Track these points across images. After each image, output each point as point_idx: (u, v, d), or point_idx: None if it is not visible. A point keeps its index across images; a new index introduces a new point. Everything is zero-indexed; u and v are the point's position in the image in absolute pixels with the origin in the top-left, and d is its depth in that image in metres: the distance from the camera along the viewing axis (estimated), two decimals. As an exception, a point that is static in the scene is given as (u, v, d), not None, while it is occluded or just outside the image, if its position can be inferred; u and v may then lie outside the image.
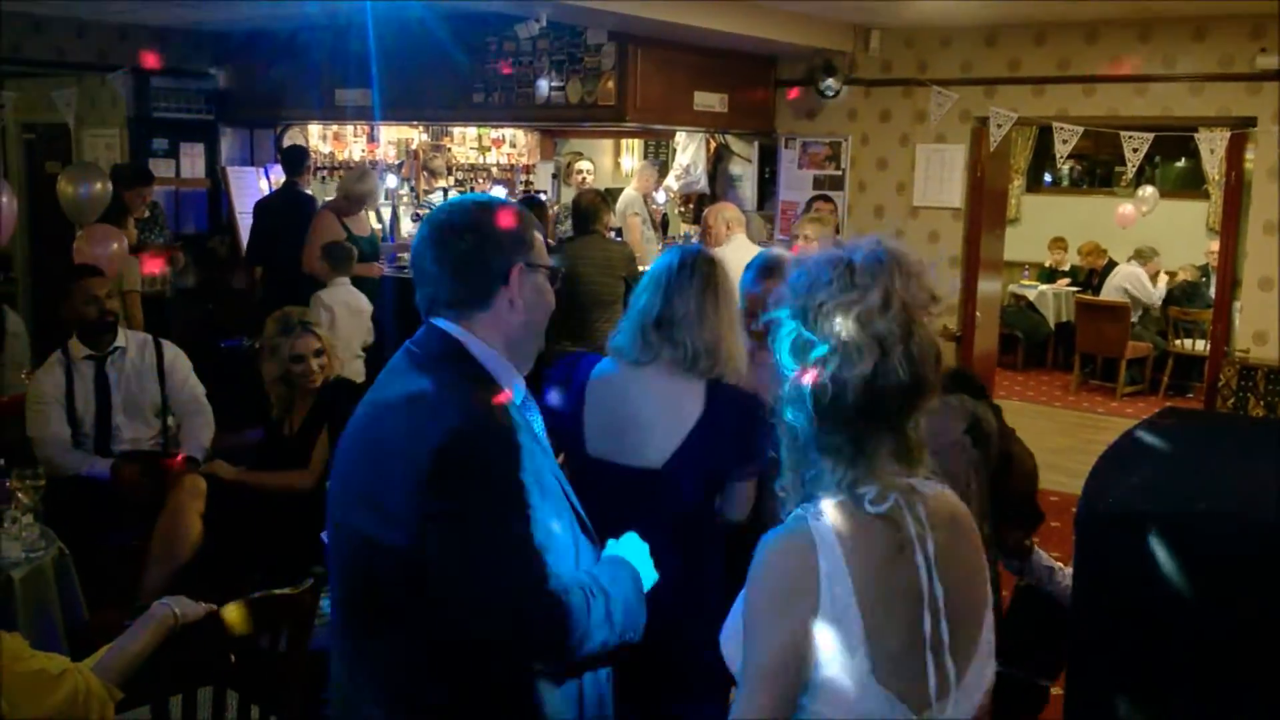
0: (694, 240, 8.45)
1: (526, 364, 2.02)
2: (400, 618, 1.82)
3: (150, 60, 8.33)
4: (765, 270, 3.29)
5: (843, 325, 1.54)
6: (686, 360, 2.69)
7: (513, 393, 1.95)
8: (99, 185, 7.05)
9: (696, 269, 2.77)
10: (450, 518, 1.75)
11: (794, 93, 8.12)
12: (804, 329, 1.58)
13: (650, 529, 2.33)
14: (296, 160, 7.97)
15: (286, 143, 8.98)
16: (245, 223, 8.24)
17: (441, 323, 1.93)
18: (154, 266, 7.31)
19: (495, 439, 1.81)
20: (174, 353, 4.96)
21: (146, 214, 7.61)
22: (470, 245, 1.92)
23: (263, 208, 7.94)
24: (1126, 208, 10.83)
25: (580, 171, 8.86)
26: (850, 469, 1.57)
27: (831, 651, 1.51)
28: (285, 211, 7.57)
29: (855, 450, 1.57)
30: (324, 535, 4.05)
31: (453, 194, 9.21)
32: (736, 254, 6.36)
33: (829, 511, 1.56)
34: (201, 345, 6.73)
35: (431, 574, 1.76)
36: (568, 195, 8.95)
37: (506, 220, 1.95)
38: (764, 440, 2.55)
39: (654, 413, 2.69)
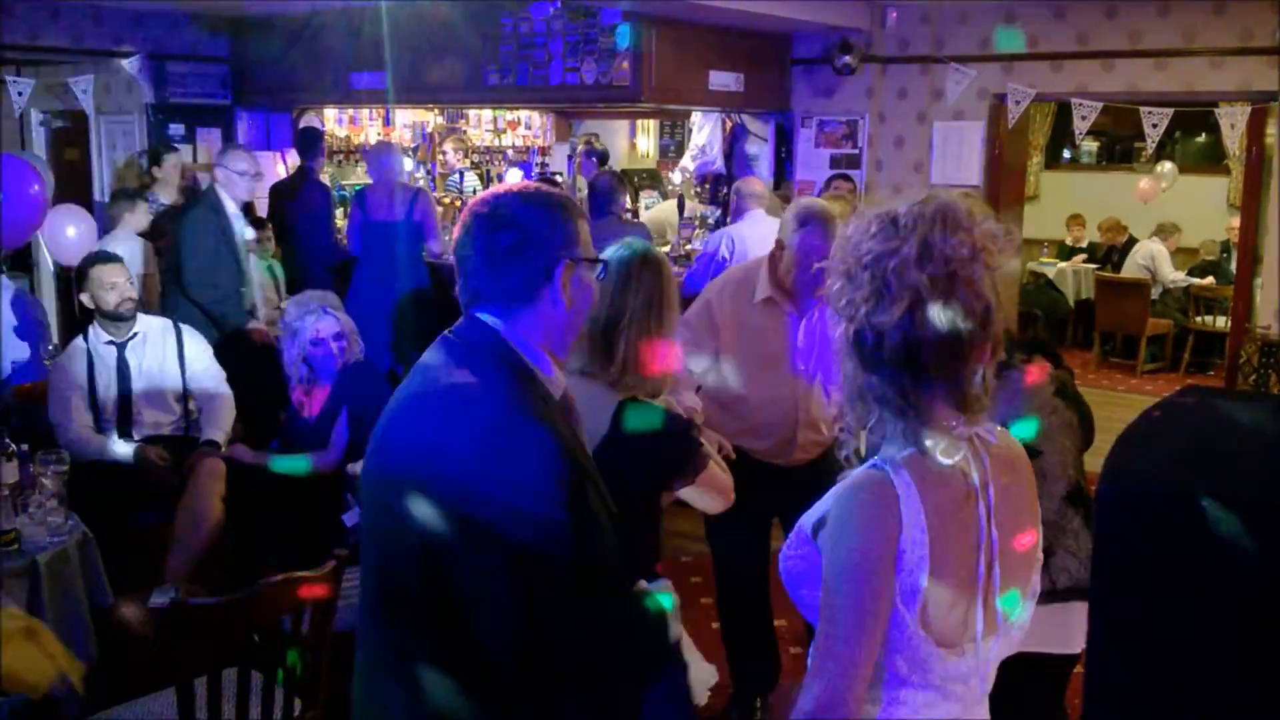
0: (710, 221, 8.44)
1: (565, 355, 1.98)
2: (427, 611, 1.79)
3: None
4: (802, 220, 3.49)
5: (879, 273, 1.58)
6: (614, 370, 2.57)
7: (555, 388, 1.92)
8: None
9: (641, 280, 2.62)
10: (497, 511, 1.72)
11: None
12: (847, 278, 1.62)
13: None
14: (310, 143, 7.97)
15: (302, 126, 8.99)
16: (262, 206, 8.24)
17: (483, 315, 1.88)
18: None
19: (536, 430, 1.76)
20: (193, 337, 4.99)
21: (180, 199, 7.48)
22: (514, 242, 1.86)
23: (277, 191, 7.96)
24: (1145, 183, 10.74)
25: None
26: (901, 419, 1.61)
27: (897, 593, 1.57)
28: (298, 196, 7.58)
29: (903, 401, 1.60)
30: (345, 517, 4.10)
31: (469, 176, 9.21)
32: (752, 230, 6.36)
33: (905, 464, 1.60)
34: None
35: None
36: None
37: (552, 216, 1.89)
38: (679, 459, 2.57)
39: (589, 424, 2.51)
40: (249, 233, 6.31)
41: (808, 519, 1.71)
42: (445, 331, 1.92)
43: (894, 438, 1.64)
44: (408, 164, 9.96)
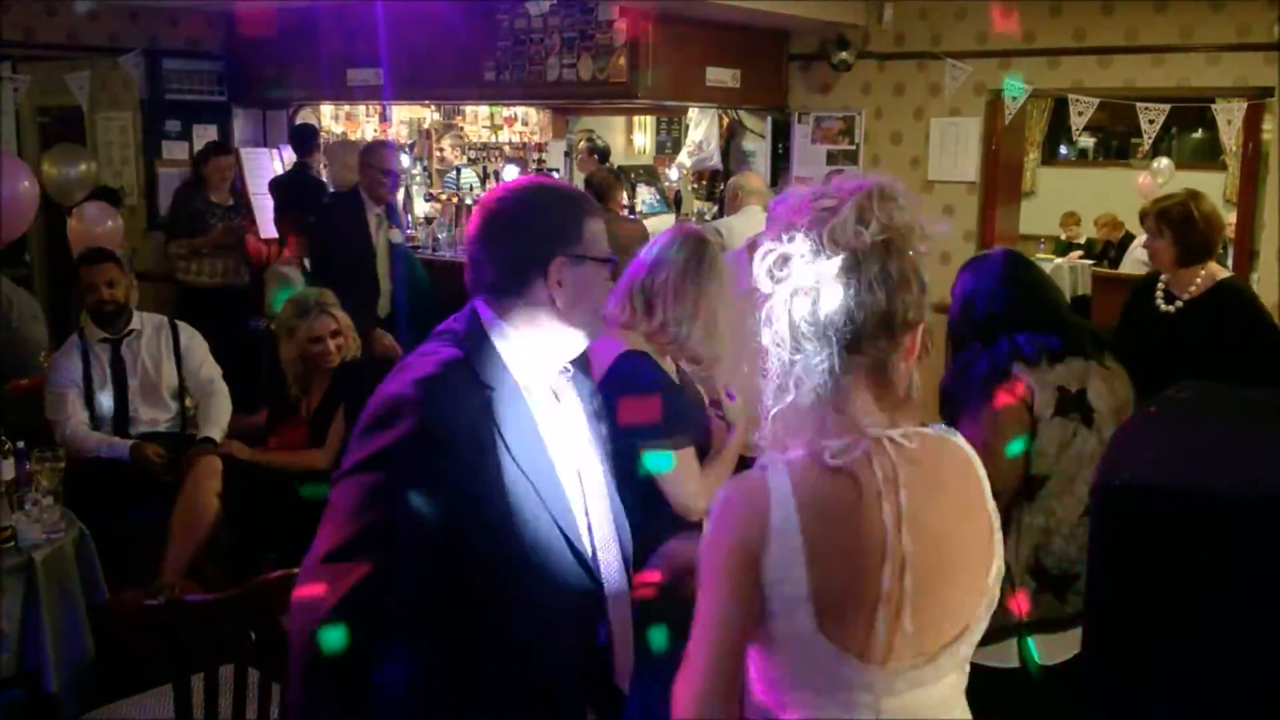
0: (708, 217, 8.44)
1: (569, 355, 1.99)
2: None
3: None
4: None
5: (814, 238, 1.52)
6: (652, 327, 2.73)
7: (538, 380, 1.93)
8: (84, 166, 7.05)
9: (685, 247, 2.80)
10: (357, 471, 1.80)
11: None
12: (780, 243, 1.56)
13: None
14: (305, 140, 7.95)
15: (298, 123, 8.97)
16: (258, 203, 8.23)
17: (479, 304, 1.92)
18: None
19: (427, 417, 1.78)
20: (190, 334, 4.99)
21: (231, 201, 7.52)
22: (509, 234, 1.89)
23: (274, 187, 7.95)
24: (1145, 178, 10.75)
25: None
26: (820, 408, 1.53)
27: (777, 603, 1.50)
28: (294, 193, 7.56)
29: (833, 384, 1.53)
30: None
31: (465, 173, 9.20)
32: (744, 223, 6.35)
33: (789, 463, 1.53)
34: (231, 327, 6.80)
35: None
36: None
37: (550, 208, 1.91)
38: (666, 411, 2.62)
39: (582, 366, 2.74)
40: (395, 234, 6.06)
41: None
42: (451, 317, 1.97)
43: (794, 432, 1.55)
44: (404, 160, 9.95)
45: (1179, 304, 4.09)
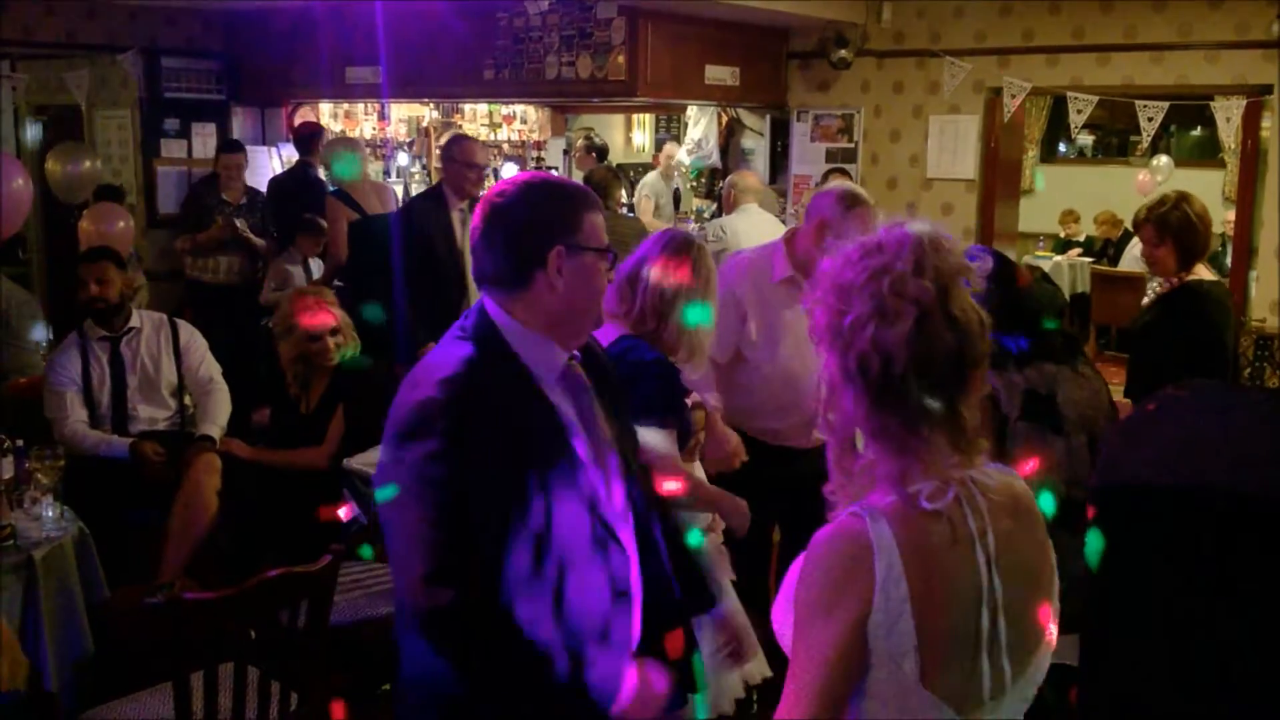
0: (707, 215, 8.44)
1: (574, 343, 2.03)
2: None
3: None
4: (851, 202, 3.56)
5: (876, 291, 1.51)
6: (634, 316, 2.87)
7: (550, 371, 1.98)
8: (87, 163, 7.05)
9: (669, 243, 2.95)
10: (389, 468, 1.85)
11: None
12: (839, 304, 1.55)
13: None
14: (308, 139, 7.95)
15: (298, 121, 8.96)
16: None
17: (486, 299, 1.97)
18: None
19: (460, 416, 1.83)
20: (189, 332, 4.98)
21: (244, 200, 7.48)
22: (511, 225, 1.94)
23: (275, 186, 7.94)
24: (1144, 176, 10.75)
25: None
26: (900, 457, 1.53)
27: (882, 655, 1.48)
28: (297, 191, 7.56)
29: (906, 433, 1.52)
30: (340, 512, 4.10)
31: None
32: (744, 222, 6.35)
33: (885, 511, 1.50)
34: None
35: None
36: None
37: (549, 201, 1.96)
38: (661, 391, 2.72)
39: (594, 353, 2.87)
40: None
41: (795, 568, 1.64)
42: (463, 315, 2.02)
43: (878, 484, 1.55)
44: (402, 158, 9.95)
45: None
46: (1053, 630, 1.61)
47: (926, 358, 1.50)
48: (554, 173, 9.13)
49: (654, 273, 2.90)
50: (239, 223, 7.32)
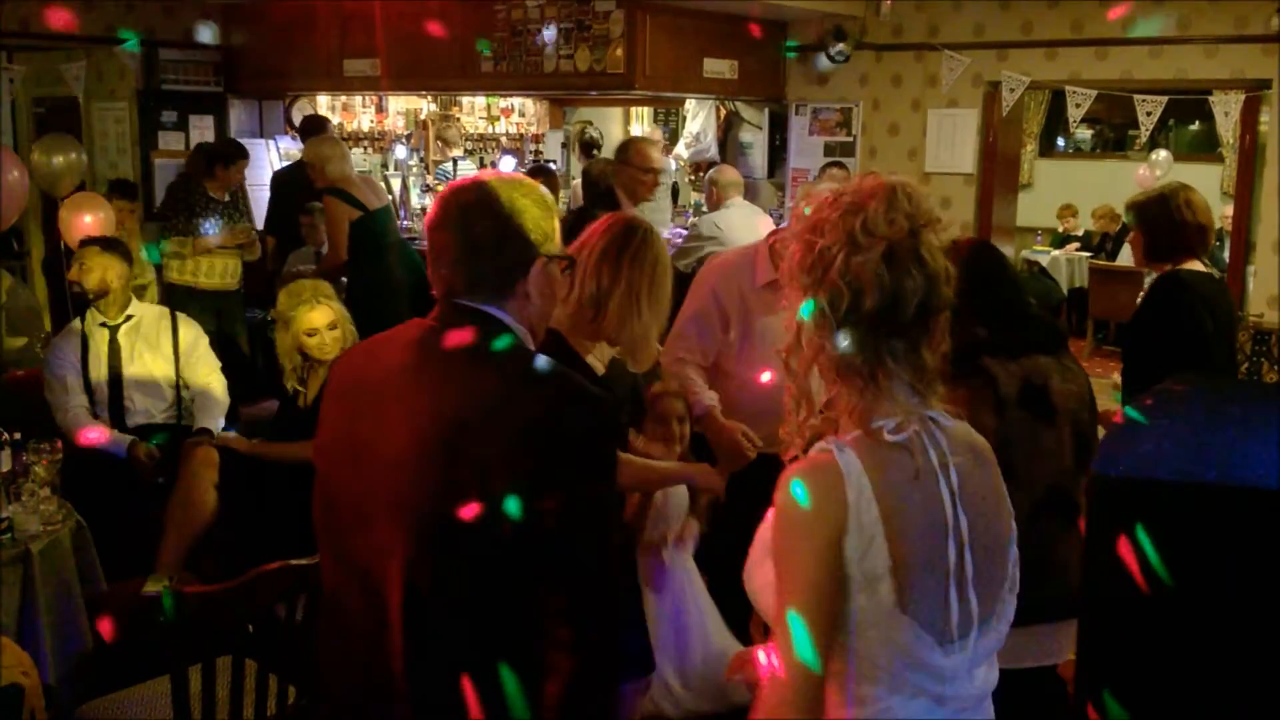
0: (705, 209, 8.43)
1: (533, 348, 2.00)
2: None
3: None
4: None
5: (848, 227, 1.57)
6: (569, 308, 2.76)
7: None
8: (72, 156, 7.02)
9: (611, 229, 2.86)
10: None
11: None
12: (814, 241, 1.60)
13: None
14: (314, 132, 7.90)
15: (295, 114, 8.95)
16: (254, 194, 8.22)
17: (480, 306, 1.86)
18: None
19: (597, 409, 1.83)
20: (189, 326, 5.00)
21: (227, 198, 7.18)
22: (498, 234, 1.86)
23: (279, 179, 7.92)
24: (1145, 170, 10.75)
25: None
26: (863, 395, 1.59)
27: (860, 579, 1.53)
28: (302, 185, 7.51)
29: (872, 370, 1.58)
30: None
31: (463, 164, 9.20)
32: (736, 216, 6.34)
33: (851, 444, 1.57)
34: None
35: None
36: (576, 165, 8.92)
37: (534, 208, 1.90)
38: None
39: None
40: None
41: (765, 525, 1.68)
42: (430, 323, 1.87)
43: (841, 420, 1.62)
44: (400, 151, 9.93)
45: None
46: (1014, 575, 1.69)
47: (894, 296, 1.56)
48: (553, 165, 9.13)
49: (593, 259, 2.80)
50: (253, 230, 7.19)
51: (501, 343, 1.83)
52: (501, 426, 1.71)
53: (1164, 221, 3.87)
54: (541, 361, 1.83)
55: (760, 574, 1.66)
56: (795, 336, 1.62)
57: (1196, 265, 3.94)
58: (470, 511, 1.68)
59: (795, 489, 1.56)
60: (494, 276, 1.86)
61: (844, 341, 1.57)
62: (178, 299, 6.84)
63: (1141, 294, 4.23)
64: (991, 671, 1.71)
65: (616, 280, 2.80)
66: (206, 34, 8.50)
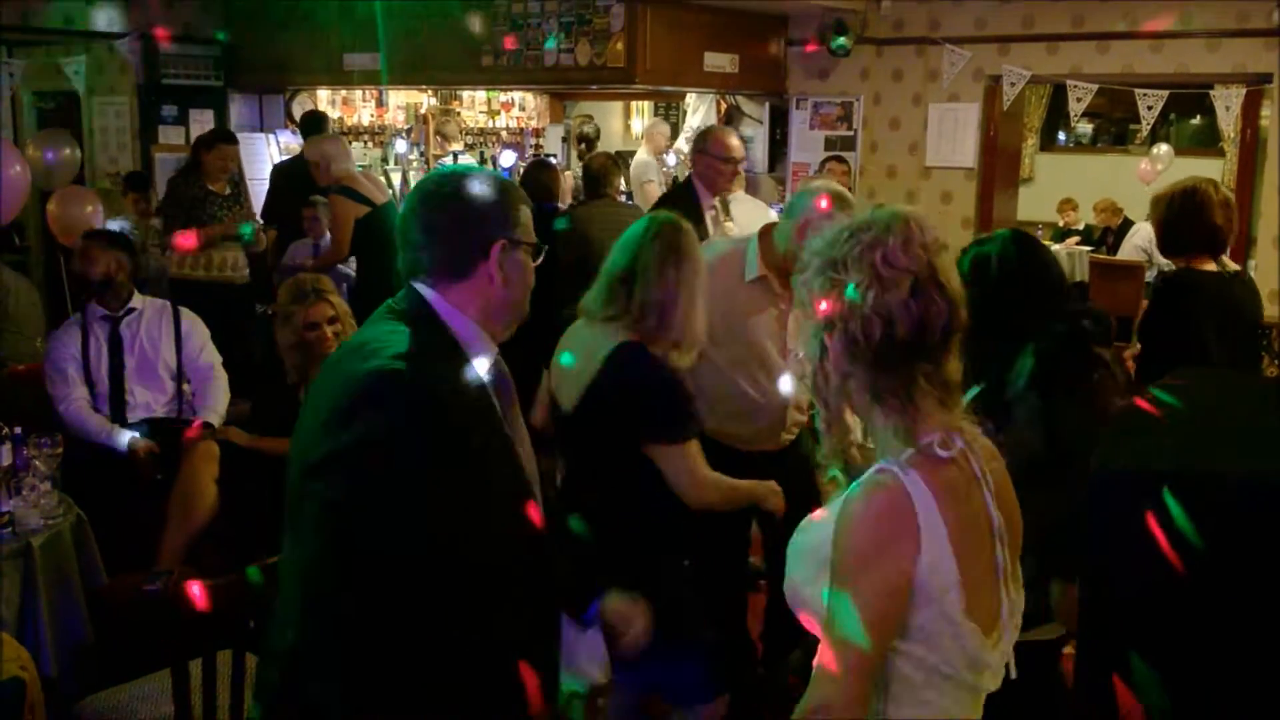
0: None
1: (501, 335, 2.03)
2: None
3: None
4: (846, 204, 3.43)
5: (870, 262, 1.63)
6: (633, 315, 2.82)
7: (482, 360, 1.96)
8: (67, 151, 7.00)
9: (661, 234, 2.88)
10: (345, 454, 1.77)
11: (810, 46, 8.01)
12: (833, 277, 1.66)
13: (574, 468, 2.66)
14: (314, 127, 7.89)
15: (296, 108, 8.94)
16: (255, 188, 8.22)
17: (420, 287, 1.95)
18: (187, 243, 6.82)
19: (422, 392, 1.79)
20: (191, 319, 5.00)
21: (228, 190, 7.11)
22: (453, 216, 1.94)
23: (279, 172, 7.91)
24: (1145, 164, 10.74)
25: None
26: (902, 416, 1.65)
27: (928, 595, 1.59)
28: (302, 179, 7.51)
29: (907, 394, 1.64)
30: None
31: (463, 159, 9.21)
32: (740, 209, 6.32)
33: (912, 463, 1.63)
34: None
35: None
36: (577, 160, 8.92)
37: (491, 194, 1.96)
38: (668, 408, 2.73)
39: (576, 358, 2.84)
40: (732, 228, 5.18)
41: (808, 539, 1.72)
42: (388, 300, 1.99)
43: (890, 439, 1.66)
44: (400, 145, 9.93)
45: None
46: (1017, 584, 1.74)
47: (923, 323, 1.62)
48: (554, 159, 9.13)
49: (652, 263, 2.85)
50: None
51: (382, 332, 1.88)
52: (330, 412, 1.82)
53: (1183, 216, 3.84)
54: (384, 360, 1.81)
55: (812, 593, 1.68)
56: (820, 366, 1.68)
57: (1210, 264, 3.88)
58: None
59: (866, 514, 1.61)
60: (447, 259, 1.94)
61: (878, 369, 1.64)
62: (182, 292, 6.86)
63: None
64: (1010, 660, 1.75)
65: (679, 286, 2.86)
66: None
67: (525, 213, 2.01)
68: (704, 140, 5.12)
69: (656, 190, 8.46)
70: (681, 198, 5.06)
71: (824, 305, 1.67)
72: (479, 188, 1.97)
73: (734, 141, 5.03)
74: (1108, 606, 2.07)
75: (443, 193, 1.97)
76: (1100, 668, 2.07)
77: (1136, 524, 1.98)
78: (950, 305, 1.64)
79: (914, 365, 1.64)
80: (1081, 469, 2.11)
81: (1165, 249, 3.94)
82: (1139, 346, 4.09)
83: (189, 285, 6.97)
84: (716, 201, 5.11)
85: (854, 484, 1.66)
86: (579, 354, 2.88)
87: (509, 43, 7.52)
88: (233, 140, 7.33)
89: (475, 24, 7.54)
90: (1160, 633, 1.99)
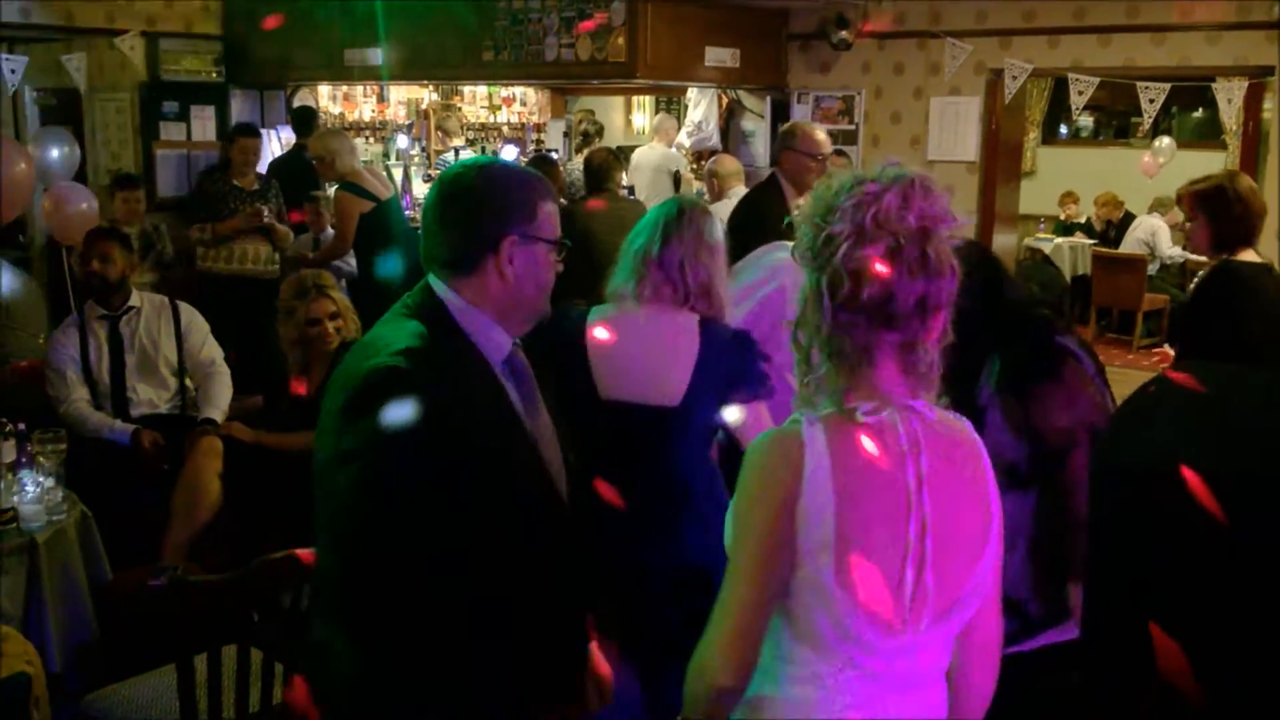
0: (707, 197, 8.41)
1: (519, 329, 2.00)
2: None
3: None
4: None
5: (860, 217, 1.60)
6: (680, 297, 2.83)
7: (494, 354, 1.95)
8: (65, 149, 7.00)
9: (694, 217, 2.91)
10: (352, 452, 1.79)
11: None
12: (823, 223, 1.63)
13: (667, 465, 2.63)
14: (305, 122, 7.89)
15: (296, 104, 8.94)
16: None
17: (433, 279, 1.95)
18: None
19: (418, 386, 1.78)
20: (191, 314, 4.99)
21: (256, 186, 7.20)
22: (466, 208, 1.92)
23: (276, 166, 7.91)
24: (1148, 158, 10.73)
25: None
26: (850, 377, 1.63)
27: (803, 551, 1.58)
28: (294, 174, 7.52)
29: (860, 357, 1.62)
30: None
31: (465, 154, 9.20)
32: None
33: (822, 418, 1.63)
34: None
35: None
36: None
37: (507, 187, 1.93)
38: (756, 369, 2.75)
39: (660, 351, 2.80)
40: None
41: None
42: (405, 294, 2.00)
43: (817, 395, 1.65)
44: (401, 141, 9.92)
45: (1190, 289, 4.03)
46: (984, 585, 1.68)
47: (892, 290, 1.58)
48: (555, 155, 9.13)
49: (697, 247, 2.87)
50: (266, 210, 7.10)
51: (389, 329, 1.89)
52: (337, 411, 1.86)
53: (1225, 205, 3.81)
54: (384, 357, 1.82)
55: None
56: (801, 311, 1.66)
57: (1252, 255, 3.87)
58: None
59: (758, 452, 1.64)
60: (456, 252, 1.92)
61: (837, 324, 1.61)
62: (209, 286, 6.91)
63: (1192, 285, 4.12)
64: (943, 656, 1.72)
65: (714, 266, 2.90)
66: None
67: (549, 208, 1.96)
68: (791, 136, 4.76)
69: (668, 185, 8.41)
70: (765, 195, 4.80)
71: (799, 254, 1.67)
72: (497, 180, 1.94)
73: (822, 136, 4.74)
74: (1112, 603, 2.07)
75: (460, 184, 1.94)
76: (1107, 666, 2.08)
77: (1139, 519, 1.98)
78: (930, 279, 1.60)
79: (876, 331, 1.60)
80: (1065, 468, 2.11)
81: (1217, 245, 3.87)
82: (1170, 349, 4.04)
83: (215, 278, 7.04)
84: (801, 201, 4.98)
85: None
86: (648, 340, 2.82)
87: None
88: (253, 134, 7.35)
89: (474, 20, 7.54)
90: (1167, 631, 1.99)
